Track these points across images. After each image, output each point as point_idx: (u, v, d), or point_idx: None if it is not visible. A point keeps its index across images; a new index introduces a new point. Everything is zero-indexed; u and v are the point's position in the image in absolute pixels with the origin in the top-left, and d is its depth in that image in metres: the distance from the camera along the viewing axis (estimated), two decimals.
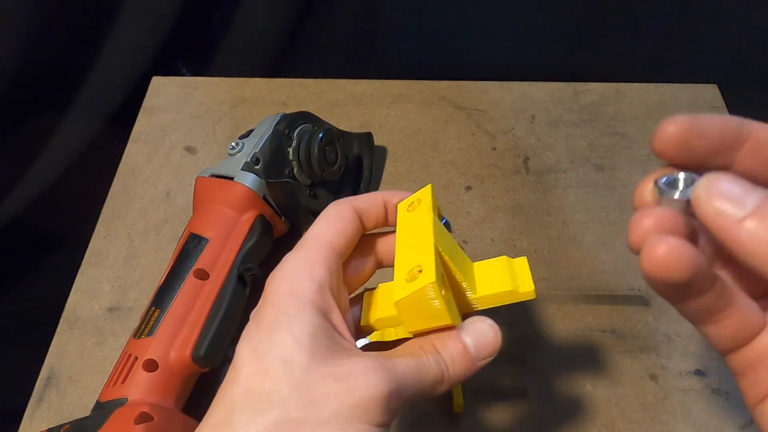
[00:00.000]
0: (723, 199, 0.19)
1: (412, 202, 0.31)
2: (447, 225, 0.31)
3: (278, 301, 0.26)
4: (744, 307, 0.21)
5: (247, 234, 0.47)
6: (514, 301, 0.29)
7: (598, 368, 0.47)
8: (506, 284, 0.28)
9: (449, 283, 0.28)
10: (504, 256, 0.30)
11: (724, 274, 0.23)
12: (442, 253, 0.27)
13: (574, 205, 0.56)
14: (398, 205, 0.31)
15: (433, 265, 0.25)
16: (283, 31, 0.74)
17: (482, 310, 0.29)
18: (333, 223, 0.29)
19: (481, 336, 0.28)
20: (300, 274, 0.27)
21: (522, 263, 0.30)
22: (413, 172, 0.59)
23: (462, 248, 0.30)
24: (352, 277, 0.32)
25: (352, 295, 0.32)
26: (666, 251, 0.19)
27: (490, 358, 0.28)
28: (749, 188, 0.19)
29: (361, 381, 0.24)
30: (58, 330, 0.50)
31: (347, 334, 0.27)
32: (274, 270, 0.28)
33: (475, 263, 0.30)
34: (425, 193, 0.31)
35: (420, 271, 0.26)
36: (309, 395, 0.23)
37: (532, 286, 0.28)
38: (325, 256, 0.28)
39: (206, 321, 0.43)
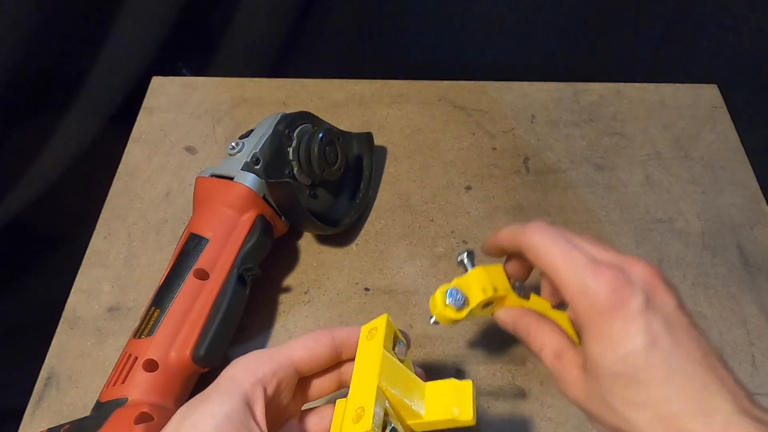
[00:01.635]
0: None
1: (371, 329, 0.33)
2: (403, 344, 0.34)
3: (220, 381, 0.31)
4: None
5: (247, 234, 0.47)
6: (455, 426, 0.31)
7: None
8: (449, 412, 0.31)
9: (397, 409, 0.31)
10: (452, 379, 0.32)
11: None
12: (387, 392, 0.30)
13: (574, 205, 0.56)
14: (361, 328, 0.34)
15: (371, 412, 0.28)
16: (283, 31, 0.74)
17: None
18: (306, 342, 0.33)
19: None
20: (247, 366, 0.31)
21: (466, 387, 0.32)
22: (413, 172, 0.59)
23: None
24: (313, 390, 0.35)
25: (311, 405, 0.35)
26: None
27: None
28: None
29: None
30: (58, 330, 0.50)
31: (264, 428, 0.29)
32: (239, 357, 0.32)
33: (427, 384, 0.33)
34: (381, 323, 0.33)
35: (362, 415, 0.29)
36: None
37: (471, 415, 0.30)
38: (279, 365, 0.31)
39: (206, 321, 0.43)
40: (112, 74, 0.71)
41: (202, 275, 0.44)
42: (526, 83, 0.66)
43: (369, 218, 0.56)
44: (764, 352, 0.48)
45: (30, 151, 0.69)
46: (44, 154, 0.70)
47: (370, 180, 0.57)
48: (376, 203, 0.57)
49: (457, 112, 0.64)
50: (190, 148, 0.61)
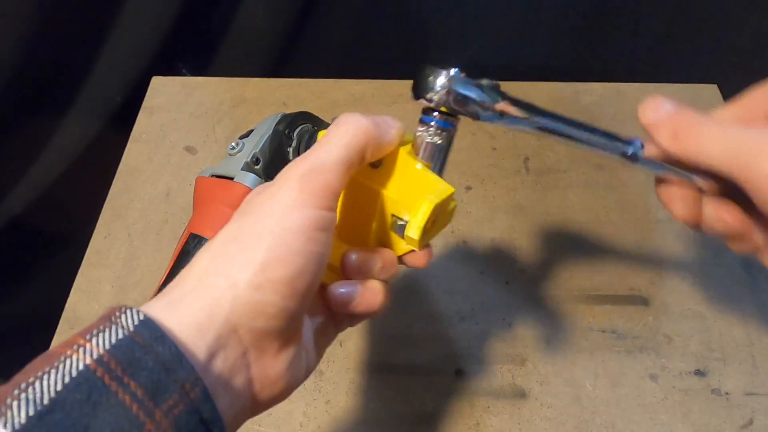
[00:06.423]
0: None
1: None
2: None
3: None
4: None
5: None
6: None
7: (598, 368, 0.47)
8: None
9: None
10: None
11: None
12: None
13: (574, 205, 0.56)
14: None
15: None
16: (283, 31, 0.74)
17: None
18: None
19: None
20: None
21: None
22: None
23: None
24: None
25: None
26: None
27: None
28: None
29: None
30: (58, 330, 0.50)
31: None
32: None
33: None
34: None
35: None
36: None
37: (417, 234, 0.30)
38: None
39: None
40: (112, 74, 0.71)
41: None
42: (526, 83, 0.66)
43: None
44: (764, 352, 0.48)
45: (30, 151, 0.69)
46: (44, 154, 0.70)
47: None
48: None
49: None
50: (190, 148, 0.61)
